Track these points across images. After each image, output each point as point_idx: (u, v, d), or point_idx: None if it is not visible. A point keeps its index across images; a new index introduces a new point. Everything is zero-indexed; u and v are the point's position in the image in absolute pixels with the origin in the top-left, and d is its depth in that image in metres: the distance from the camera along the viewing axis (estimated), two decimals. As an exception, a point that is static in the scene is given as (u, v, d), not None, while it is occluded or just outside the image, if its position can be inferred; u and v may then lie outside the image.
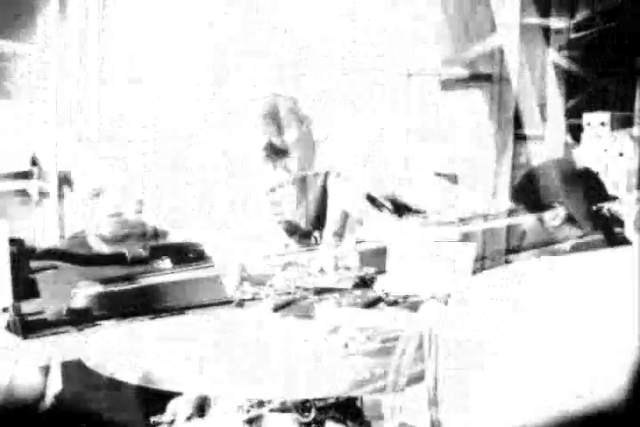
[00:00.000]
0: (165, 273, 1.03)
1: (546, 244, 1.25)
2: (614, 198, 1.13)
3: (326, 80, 1.33)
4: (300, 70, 1.32)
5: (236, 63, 1.28)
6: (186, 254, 1.02)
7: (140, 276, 1.02)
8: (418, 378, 0.77)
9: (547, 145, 2.29)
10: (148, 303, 0.98)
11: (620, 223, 1.02)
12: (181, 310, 0.98)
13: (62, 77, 1.30)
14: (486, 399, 0.69)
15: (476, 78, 3.00)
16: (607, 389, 0.66)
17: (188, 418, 0.93)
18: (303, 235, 1.24)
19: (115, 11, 1.32)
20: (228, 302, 0.98)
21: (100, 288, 0.98)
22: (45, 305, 1.02)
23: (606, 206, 0.99)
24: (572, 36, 1.93)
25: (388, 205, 1.19)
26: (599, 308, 0.71)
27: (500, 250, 1.38)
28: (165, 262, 1.08)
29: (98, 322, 0.96)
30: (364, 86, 1.42)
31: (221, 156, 1.31)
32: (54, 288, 1.09)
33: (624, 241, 0.94)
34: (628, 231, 0.98)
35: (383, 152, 1.44)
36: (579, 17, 1.94)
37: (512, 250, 1.35)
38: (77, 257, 1.12)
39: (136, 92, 1.34)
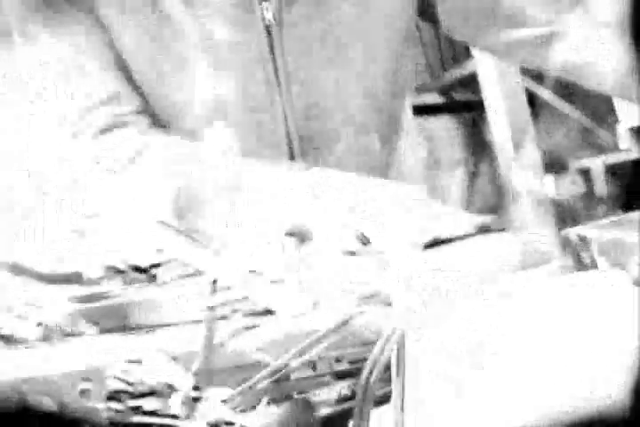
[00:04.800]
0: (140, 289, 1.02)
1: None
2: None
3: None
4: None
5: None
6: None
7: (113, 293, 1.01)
8: (384, 399, 0.76)
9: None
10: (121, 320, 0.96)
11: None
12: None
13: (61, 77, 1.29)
14: (485, 400, 0.69)
15: (451, 105, 3.02)
16: (607, 389, 0.66)
17: None
18: None
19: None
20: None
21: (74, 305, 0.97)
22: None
23: (574, 231, 0.98)
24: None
25: None
26: (599, 306, 0.71)
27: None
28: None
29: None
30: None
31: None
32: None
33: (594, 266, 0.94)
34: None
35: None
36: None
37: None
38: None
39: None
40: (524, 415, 0.66)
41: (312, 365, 0.84)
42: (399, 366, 0.70)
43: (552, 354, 0.68)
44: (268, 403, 0.76)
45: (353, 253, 0.99)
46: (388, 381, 0.73)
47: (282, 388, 0.80)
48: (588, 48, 1.24)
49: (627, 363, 0.66)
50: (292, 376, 0.82)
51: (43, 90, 1.23)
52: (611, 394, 0.65)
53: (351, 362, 0.83)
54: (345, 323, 0.80)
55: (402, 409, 0.69)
